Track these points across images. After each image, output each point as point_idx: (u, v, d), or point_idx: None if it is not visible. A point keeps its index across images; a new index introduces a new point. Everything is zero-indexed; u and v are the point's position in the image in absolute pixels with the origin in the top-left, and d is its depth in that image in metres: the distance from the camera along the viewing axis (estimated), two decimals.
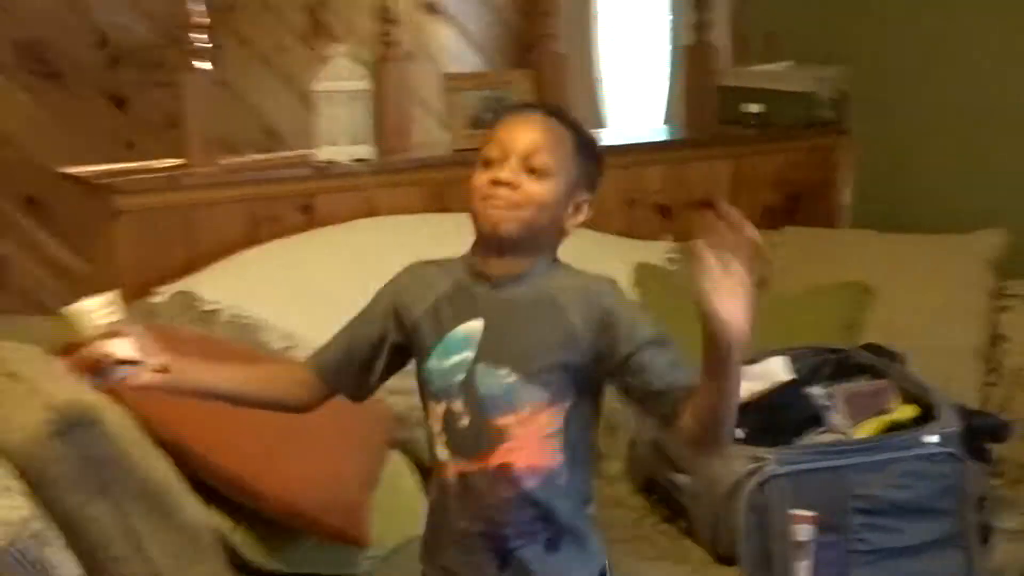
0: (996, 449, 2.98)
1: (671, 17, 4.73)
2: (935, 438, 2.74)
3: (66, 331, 2.06)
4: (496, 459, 2.01)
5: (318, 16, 5.02)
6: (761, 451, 2.70)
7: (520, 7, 5.23)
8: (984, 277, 3.46)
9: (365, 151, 3.51)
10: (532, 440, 2.01)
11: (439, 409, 2.06)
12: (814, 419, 2.89)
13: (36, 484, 2.17)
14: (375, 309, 2.16)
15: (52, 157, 4.30)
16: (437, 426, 2.06)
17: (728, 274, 1.81)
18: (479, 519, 2.04)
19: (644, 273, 3.51)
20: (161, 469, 2.38)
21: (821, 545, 2.64)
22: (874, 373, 3.03)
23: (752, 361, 3.04)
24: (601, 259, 3.55)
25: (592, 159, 2.10)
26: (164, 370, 2.07)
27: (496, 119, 2.11)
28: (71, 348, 2.06)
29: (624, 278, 3.50)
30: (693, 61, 4.16)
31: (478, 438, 2.02)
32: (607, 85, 5.18)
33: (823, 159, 4.03)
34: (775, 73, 4.03)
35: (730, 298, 1.81)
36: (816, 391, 2.96)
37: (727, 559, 2.71)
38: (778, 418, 2.86)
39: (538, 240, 2.05)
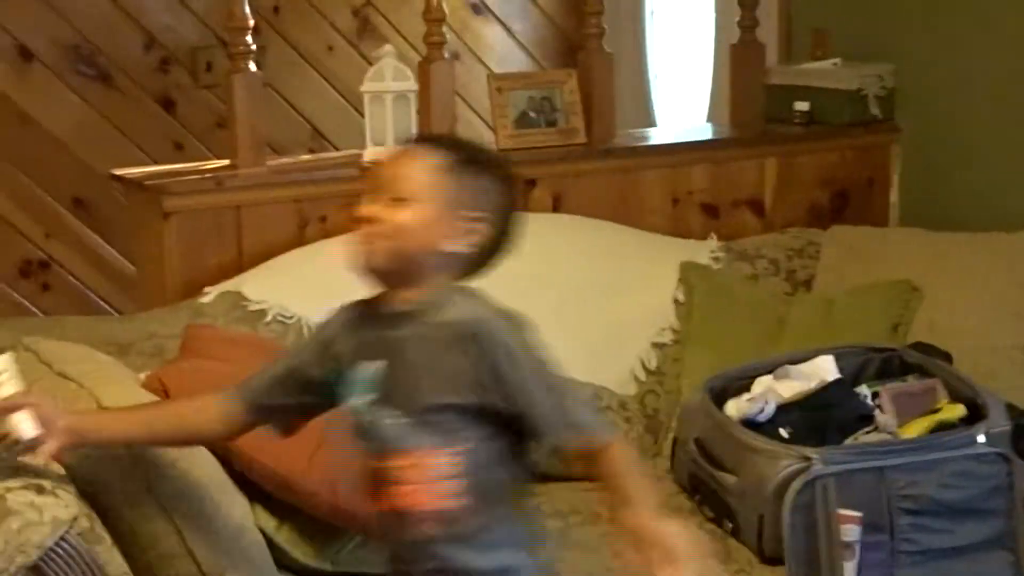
0: None
1: (716, 15, 4.71)
2: (983, 437, 2.72)
3: None
4: (394, 502, 1.99)
5: (364, 17, 5.04)
6: (807, 451, 2.69)
7: (567, 6, 5.22)
8: None
9: None
10: (424, 484, 1.97)
11: (359, 448, 2.05)
12: (861, 419, 2.87)
13: (85, 483, 2.19)
14: (309, 347, 2.16)
15: (100, 159, 4.36)
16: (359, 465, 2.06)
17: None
18: (396, 559, 2.07)
19: (689, 272, 3.50)
20: (207, 468, 2.39)
21: (867, 545, 2.63)
22: (921, 372, 3.01)
23: (799, 360, 3.04)
24: (646, 258, 3.58)
25: (480, 174, 2.03)
26: (69, 432, 2.08)
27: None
28: None
29: (669, 277, 3.50)
30: (740, 59, 4.14)
31: (380, 480, 2.01)
32: (657, 84, 5.16)
33: (871, 157, 4.00)
34: (822, 71, 4.00)
35: None
36: (863, 390, 2.95)
37: (773, 559, 2.70)
38: (825, 418, 2.85)
39: (419, 267, 1.99)
